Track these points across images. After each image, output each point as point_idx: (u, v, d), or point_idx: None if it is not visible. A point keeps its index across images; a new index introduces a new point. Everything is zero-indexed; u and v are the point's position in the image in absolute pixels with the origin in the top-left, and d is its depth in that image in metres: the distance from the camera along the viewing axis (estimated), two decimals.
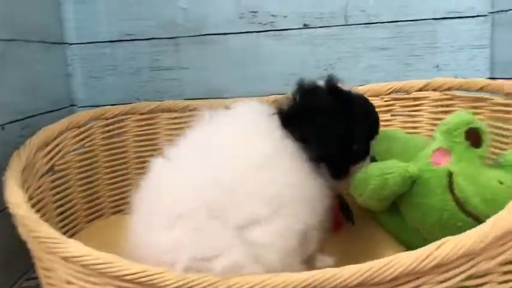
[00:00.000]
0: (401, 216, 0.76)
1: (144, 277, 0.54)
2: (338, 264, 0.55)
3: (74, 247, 0.59)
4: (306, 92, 0.75)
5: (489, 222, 0.54)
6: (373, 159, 0.79)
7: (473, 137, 0.71)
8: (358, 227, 0.87)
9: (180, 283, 0.54)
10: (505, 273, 0.58)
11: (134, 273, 0.55)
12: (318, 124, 0.71)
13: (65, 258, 0.59)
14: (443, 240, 0.53)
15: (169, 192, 0.64)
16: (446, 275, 0.53)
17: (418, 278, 0.53)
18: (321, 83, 0.78)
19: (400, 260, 0.52)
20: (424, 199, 0.70)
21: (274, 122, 0.72)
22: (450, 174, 0.69)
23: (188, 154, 0.70)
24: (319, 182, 0.70)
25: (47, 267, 0.65)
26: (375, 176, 0.70)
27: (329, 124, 0.71)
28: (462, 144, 0.70)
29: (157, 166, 0.70)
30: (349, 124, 0.73)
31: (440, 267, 0.53)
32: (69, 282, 0.61)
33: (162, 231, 0.61)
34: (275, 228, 0.63)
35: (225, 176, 0.63)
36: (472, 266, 0.54)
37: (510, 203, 0.56)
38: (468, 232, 0.53)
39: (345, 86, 0.78)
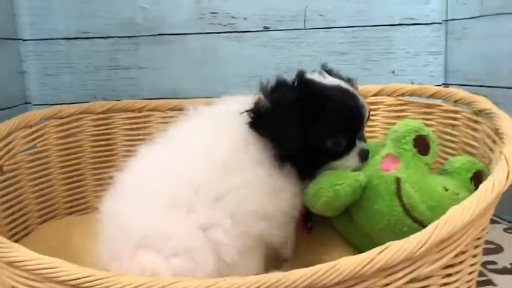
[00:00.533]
0: (353, 221, 0.77)
1: (90, 281, 0.53)
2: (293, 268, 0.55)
3: (17, 251, 0.57)
4: (271, 88, 0.72)
5: (429, 228, 0.55)
6: (364, 154, 0.75)
7: (421, 145, 0.73)
8: (315, 232, 0.88)
9: (131, 286, 0.52)
10: (446, 276, 0.61)
11: (80, 278, 0.53)
12: (279, 120, 0.69)
13: (9, 263, 0.58)
14: (385, 245, 0.54)
15: (144, 183, 0.69)
16: (390, 278, 0.55)
17: (362, 281, 0.54)
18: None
19: (345, 264, 0.52)
20: (373, 204, 0.71)
21: (241, 122, 0.70)
22: (398, 181, 0.70)
23: (162, 151, 0.73)
24: (283, 184, 0.70)
25: None
26: (326, 188, 0.70)
27: (291, 119, 0.69)
28: (410, 151, 0.72)
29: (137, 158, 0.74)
30: (316, 118, 0.69)
31: (384, 270, 0.54)
32: None
33: (132, 216, 0.66)
34: (235, 231, 0.65)
35: (190, 175, 0.67)
36: (414, 270, 0.56)
37: (450, 210, 0.58)
38: (410, 237, 0.55)
39: (323, 78, 0.75)
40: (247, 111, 0.70)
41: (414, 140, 0.73)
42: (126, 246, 0.65)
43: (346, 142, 0.73)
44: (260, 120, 0.69)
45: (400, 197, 0.70)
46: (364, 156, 0.74)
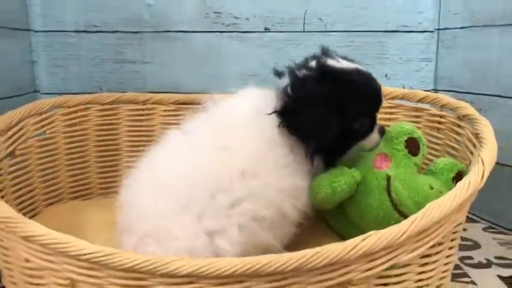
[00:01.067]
0: (344, 213, 0.82)
1: (98, 257, 0.58)
2: None
3: (33, 227, 0.62)
4: (295, 86, 0.73)
5: (409, 219, 0.61)
6: (382, 130, 0.81)
7: (412, 146, 0.79)
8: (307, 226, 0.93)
9: (133, 263, 0.57)
10: (423, 264, 0.66)
11: (90, 253, 0.58)
12: (316, 115, 0.71)
13: (24, 238, 0.62)
14: (369, 233, 0.59)
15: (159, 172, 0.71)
16: (372, 264, 0.60)
17: (346, 265, 0.59)
18: (312, 64, 0.75)
19: (330, 249, 0.58)
20: (364, 198, 0.77)
21: (265, 121, 0.72)
22: (388, 178, 0.76)
23: (181, 147, 0.74)
24: (305, 184, 0.73)
25: (6, 246, 0.68)
26: (324, 185, 0.74)
27: (327, 112, 0.71)
28: (402, 151, 0.78)
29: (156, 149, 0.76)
30: (343, 106, 0.72)
31: (366, 256, 0.59)
32: (27, 260, 0.64)
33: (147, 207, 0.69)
34: (241, 239, 0.68)
35: (208, 178, 0.69)
36: (394, 257, 0.61)
37: (429, 204, 0.63)
38: (391, 227, 0.60)
39: (337, 60, 0.76)
40: (275, 112, 0.72)
41: (406, 141, 0.78)
42: (136, 234, 0.68)
43: (370, 121, 0.78)
44: (293, 119, 0.71)
45: (389, 193, 0.76)
46: (383, 131, 0.80)
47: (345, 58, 0.79)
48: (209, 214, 0.67)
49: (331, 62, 0.75)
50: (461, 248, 0.96)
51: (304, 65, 0.77)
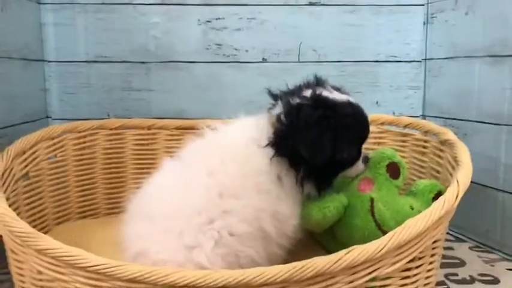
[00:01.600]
0: (333, 233, 0.87)
1: (105, 269, 0.63)
2: None
3: (46, 241, 0.67)
4: (288, 112, 0.76)
5: (388, 235, 0.67)
6: (366, 159, 0.85)
7: (393, 170, 0.85)
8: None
9: (137, 274, 0.62)
10: (404, 278, 0.72)
11: (97, 265, 0.63)
12: (306, 141, 0.74)
13: (38, 251, 0.67)
14: (351, 247, 0.64)
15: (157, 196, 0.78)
16: (354, 276, 0.65)
17: (332, 277, 0.64)
18: (306, 93, 0.79)
19: (316, 262, 0.63)
20: (351, 219, 0.83)
21: (259, 151, 0.76)
22: (372, 200, 0.82)
23: (172, 171, 0.81)
24: (290, 211, 0.77)
25: (20, 260, 0.73)
26: (315, 212, 0.80)
27: (315, 140, 0.73)
28: (383, 175, 0.85)
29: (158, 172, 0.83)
30: (335, 134, 0.74)
31: (349, 269, 0.65)
32: (39, 272, 0.69)
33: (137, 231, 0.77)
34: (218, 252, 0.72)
35: (191, 200, 0.74)
36: (375, 270, 0.67)
37: (406, 221, 0.69)
38: (372, 242, 0.66)
39: (329, 91, 0.80)
40: (268, 144, 0.76)
41: (387, 165, 0.85)
42: (130, 250, 0.76)
43: (357, 151, 0.83)
44: (286, 145, 0.75)
45: (373, 214, 0.82)
46: (366, 160, 0.85)
47: (337, 89, 0.83)
48: (187, 232, 0.72)
49: (324, 93, 0.79)
50: (447, 265, 1.01)
51: (298, 93, 0.81)
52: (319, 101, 0.77)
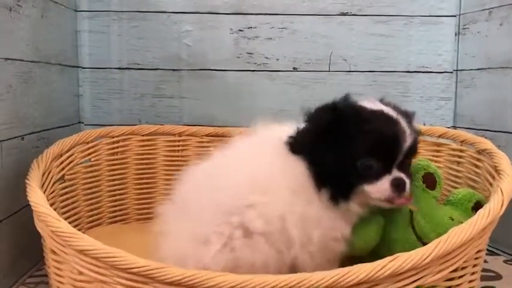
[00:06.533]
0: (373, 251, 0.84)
1: (147, 270, 0.63)
2: None
3: (88, 241, 0.67)
4: (309, 115, 0.76)
5: (433, 243, 0.65)
6: (396, 182, 0.74)
7: (429, 180, 0.83)
8: None
9: (178, 277, 0.62)
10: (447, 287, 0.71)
11: (139, 267, 0.63)
12: (316, 143, 0.73)
13: (79, 251, 0.68)
14: (396, 255, 0.63)
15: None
16: (398, 284, 0.64)
17: (375, 285, 0.63)
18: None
19: (361, 269, 0.62)
20: (390, 235, 0.81)
21: (281, 149, 0.75)
22: (411, 213, 0.81)
23: (201, 176, 0.81)
24: (317, 210, 0.73)
25: (60, 260, 0.74)
26: (358, 240, 0.78)
27: (325, 142, 0.72)
28: (420, 187, 0.83)
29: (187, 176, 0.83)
30: (351, 139, 0.72)
31: (393, 277, 0.63)
32: (80, 273, 0.70)
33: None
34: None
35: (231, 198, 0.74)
36: (419, 278, 0.65)
37: (451, 230, 0.68)
38: (416, 250, 0.65)
39: (370, 103, 0.76)
40: (289, 137, 0.76)
41: (423, 176, 0.83)
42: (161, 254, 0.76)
43: (378, 167, 0.73)
44: (296, 141, 0.75)
45: (413, 227, 0.80)
46: (399, 186, 0.73)
47: (387, 103, 0.79)
48: (202, 226, 0.73)
49: (363, 102, 0.76)
50: (484, 278, 0.98)
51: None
52: (341, 106, 0.75)
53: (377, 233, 0.80)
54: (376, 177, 0.73)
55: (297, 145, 0.75)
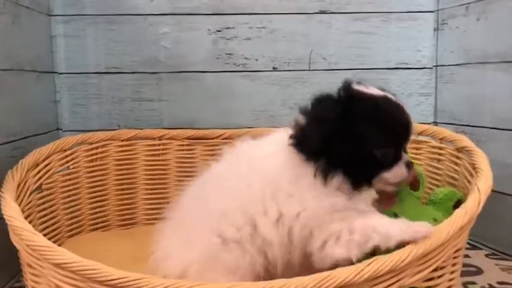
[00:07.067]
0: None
1: (125, 282, 0.62)
2: None
3: (64, 255, 0.66)
4: (312, 106, 0.73)
5: (411, 245, 0.66)
6: (409, 164, 0.75)
7: (414, 182, 0.83)
8: None
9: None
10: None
11: (116, 279, 0.62)
12: (321, 133, 0.70)
13: (56, 265, 0.67)
14: (373, 258, 0.64)
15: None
16: (378, 287, 0.64)
17: None
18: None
19: (339, 273, 0.62)
20: None
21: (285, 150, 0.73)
22: (395, 215, 0.81)
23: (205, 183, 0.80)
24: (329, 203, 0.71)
25: (37, 274, 0.72)
26: None
27: (332, 132, 0.69)
28: (404, 189, 0.82)
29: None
30: (364, 128, 0.70)
31: (372, 280, 0.63)
32: (58, 287, 0.68)
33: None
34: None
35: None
36: (398, 280, 0.66)
37: None
38: (394, 252, 0.65)
39: (367, 87, 0.74)
40: (290, 136, 0.72)
41: None
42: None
43: (394, 153, 0.73)
44: (305, 139, 0.71)
45: None
46: (410, 166, 0.75)
47: (381, 88, 0.78)
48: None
49: (359, 87, 0.74)
50: (465, 273, 0.99)
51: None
52: (347, 94, 0.73)
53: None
54: (393, 162, 0.73)
55: (306, 146, 0.71)
